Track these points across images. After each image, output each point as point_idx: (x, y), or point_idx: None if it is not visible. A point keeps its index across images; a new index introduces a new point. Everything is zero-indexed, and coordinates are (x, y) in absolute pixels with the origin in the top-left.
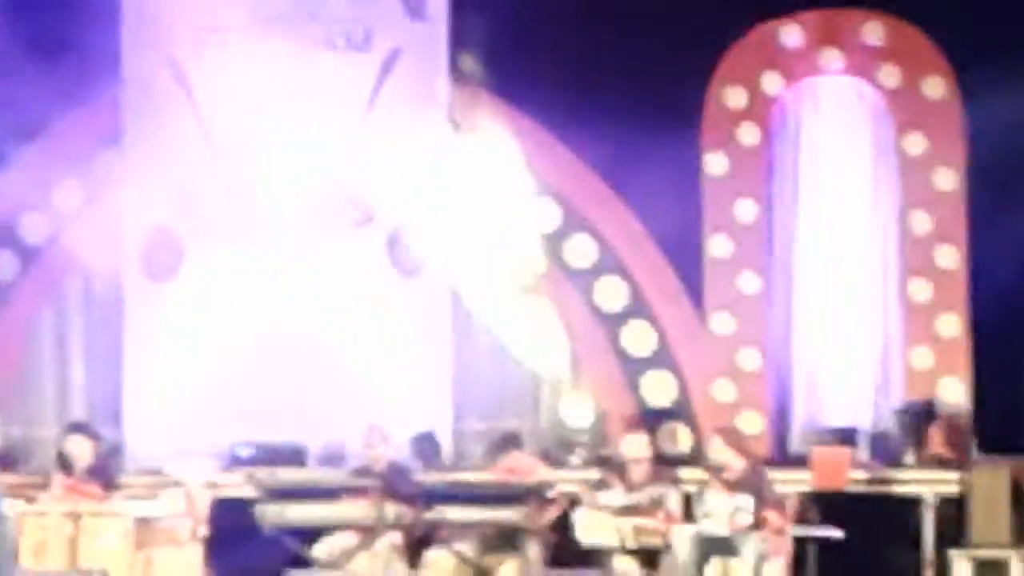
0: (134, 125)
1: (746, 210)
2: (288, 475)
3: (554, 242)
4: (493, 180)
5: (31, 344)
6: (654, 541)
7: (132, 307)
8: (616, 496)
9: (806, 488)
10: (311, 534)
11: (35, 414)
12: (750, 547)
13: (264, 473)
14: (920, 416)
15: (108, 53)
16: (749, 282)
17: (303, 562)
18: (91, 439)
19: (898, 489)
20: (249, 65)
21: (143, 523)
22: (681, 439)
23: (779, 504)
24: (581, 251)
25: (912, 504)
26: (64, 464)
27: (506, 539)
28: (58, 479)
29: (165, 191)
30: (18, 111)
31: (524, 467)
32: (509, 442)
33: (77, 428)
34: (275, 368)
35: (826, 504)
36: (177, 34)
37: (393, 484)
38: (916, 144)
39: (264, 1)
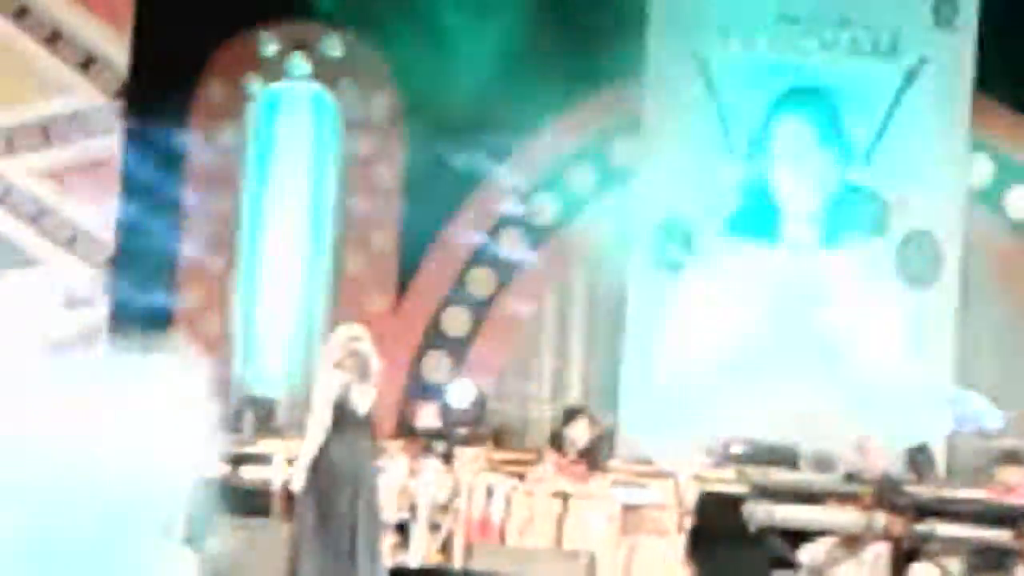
0: (654, 115)
1: None
2: (779, 476)
3: None
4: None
5: (533, 324)
6: None
7: (637, 295)
8: None
9: None
10: (797, 537)
11: (532, 393)
12: None
13: (755, 471)
14: None
15: (633, 43)
16: None
17: (787, 564)
18: (589, 423)
19: None
20: (772, 63)
21: (630, 510)
22: None
23: None
24: None
25: None
26: (558, 444)
27: (995, 560)
28: (550, 458)
29: (680, 183)
30: (542, 92)
31: (1020, 487)
32: (1006, 459)
33: (576, 411)
34: (774, 367)
35: None
36: (703, 29)
37: (885, 494)
38: None
39: (793, 2)
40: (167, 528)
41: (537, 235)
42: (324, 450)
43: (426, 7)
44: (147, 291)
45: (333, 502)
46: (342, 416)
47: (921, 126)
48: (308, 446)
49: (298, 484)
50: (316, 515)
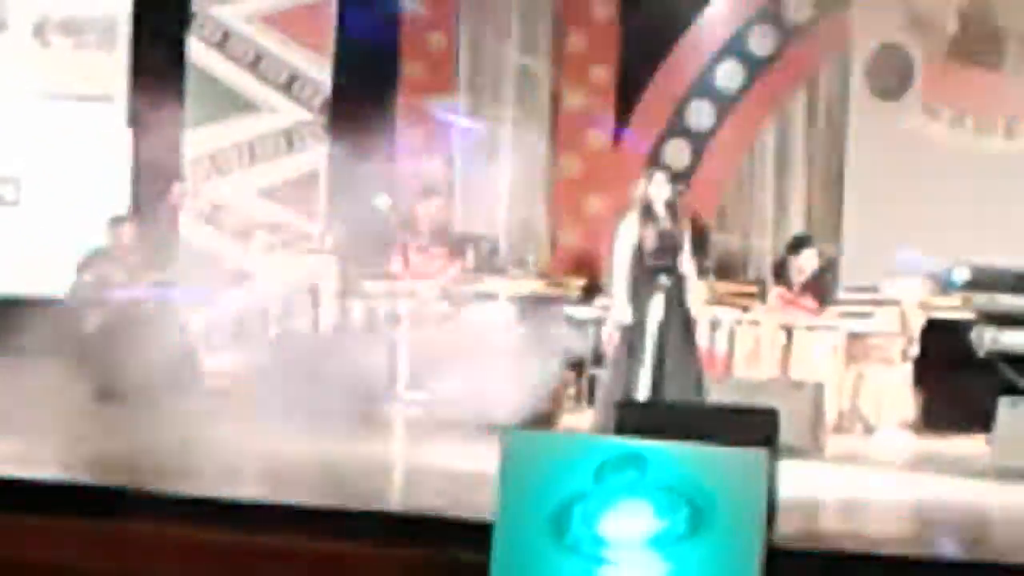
0: None
1: None
2: (1006, 301)
3: None
4: None
5: (753, 155)
6: None
7: (857, 124)
8: None
9: None
10: None
11: (753, 224)
12: None
13: (982, 298)
14: None
15: None
16: None
17: (1015, 390)
18: (813, 253)
19: None
20: None
21: (856, 339)
22: None
23: None
24: None
25: None
26: (782, 276)
27: None
28: (775, 290)
29: (895, 10)
30: None
31: None
32: None
33: (800, 241)
34: (998, 189)
35: None
36: None
37: None
38: None
39: None
40: None
41: (755, 65)
42: None
43: None
44: (365, 133)
45: None
46: None
47: None
48: None
49: None
50: None
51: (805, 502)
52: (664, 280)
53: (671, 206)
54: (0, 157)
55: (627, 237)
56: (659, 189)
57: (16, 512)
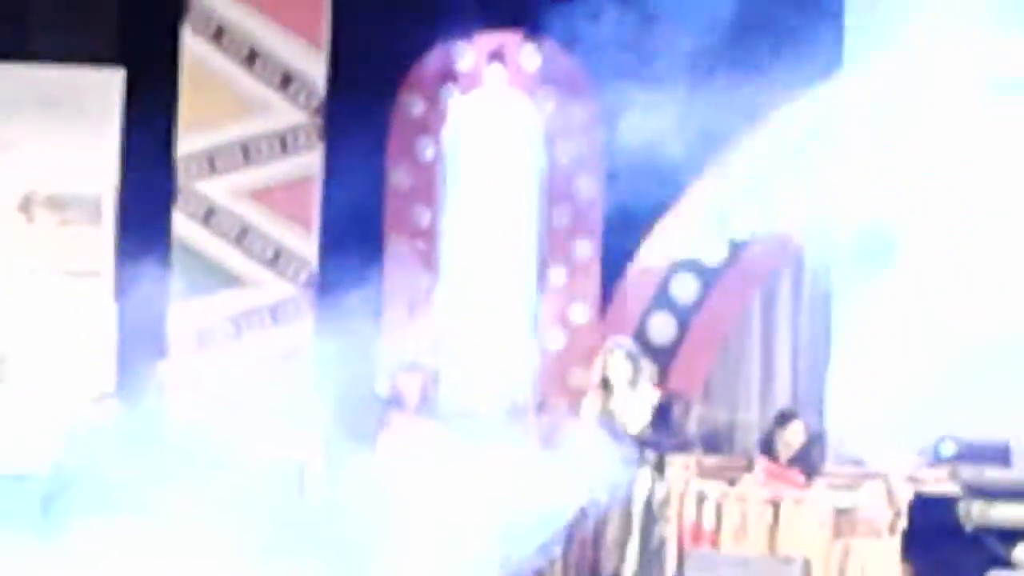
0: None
1: None
2: (994, 474)
3: None
4: None
5: (739, 329)
6: None
7: (842, 297)
8: None
9: None
10: (1015, 536)
11: (739, 398)
12: None
13: (969, 470)
14: None
15: (830, 42)
16: None
17: (1004, 563)
18: (799, 426)
19: None
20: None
21: (843, 513)
22: None
23: None
24: None
25: None
26: (768, 449)
27: None
28: (761, 464)
29: (881, 184)
30: (740, 97)
31: None
32: None
33: (790, 414)
34: (983, 364)
35: None
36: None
37: None
38: None
39: None
40: None
41: (736, 243)
42: None
43: (625, 13)
44: (350, 308)
45: None
46: None
47: None
48: None
49: None
50: None
51: None
52: (628, 456)
53: (632, 383)
54: None
55: (588, 414)
56: (618, 365)
57: None
